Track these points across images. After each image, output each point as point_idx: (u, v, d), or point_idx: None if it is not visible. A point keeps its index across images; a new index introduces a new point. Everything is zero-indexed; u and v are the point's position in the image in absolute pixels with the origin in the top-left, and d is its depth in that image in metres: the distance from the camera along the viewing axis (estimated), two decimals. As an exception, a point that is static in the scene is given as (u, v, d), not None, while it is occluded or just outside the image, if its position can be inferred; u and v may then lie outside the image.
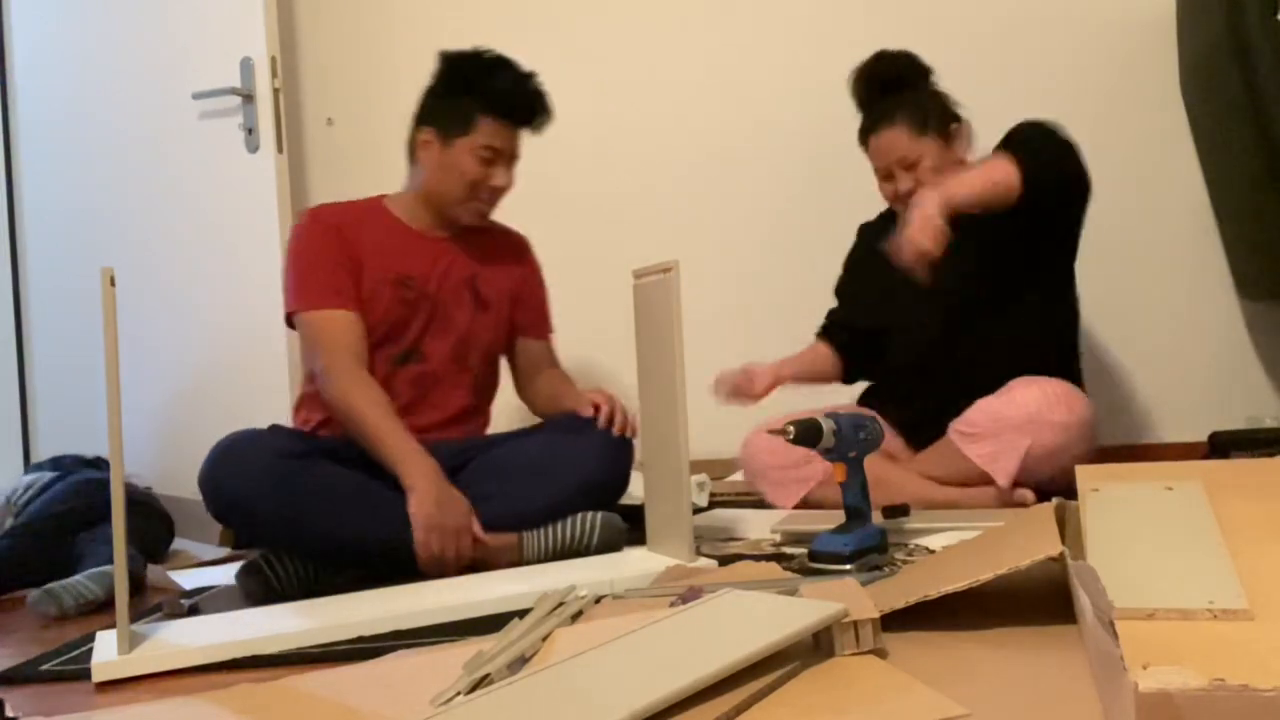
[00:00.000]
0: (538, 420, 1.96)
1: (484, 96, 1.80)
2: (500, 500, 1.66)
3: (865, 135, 2.04)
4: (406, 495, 1.58)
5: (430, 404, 1.84)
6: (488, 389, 1.97)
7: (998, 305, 1.99)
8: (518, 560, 1.65)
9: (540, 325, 2.02)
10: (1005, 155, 1.81)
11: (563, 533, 1.67)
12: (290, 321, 1.82)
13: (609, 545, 1.68)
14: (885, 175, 2.02)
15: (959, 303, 2.00)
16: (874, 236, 2.14)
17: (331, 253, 1.77)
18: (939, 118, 2.00)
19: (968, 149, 2.03)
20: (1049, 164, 1.82)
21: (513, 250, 1.99)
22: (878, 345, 2.16)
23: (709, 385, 2.00)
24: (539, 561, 1.65)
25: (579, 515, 1.68)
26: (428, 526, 1.55)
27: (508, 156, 1.85)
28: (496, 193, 1.87)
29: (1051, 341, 2.02)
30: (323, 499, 1.57)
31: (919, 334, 2.06)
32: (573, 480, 1.69)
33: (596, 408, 1.77)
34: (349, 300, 1.76)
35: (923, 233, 1.69)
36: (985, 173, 1.79)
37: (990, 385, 1.91)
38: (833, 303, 2.28)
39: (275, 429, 1.74)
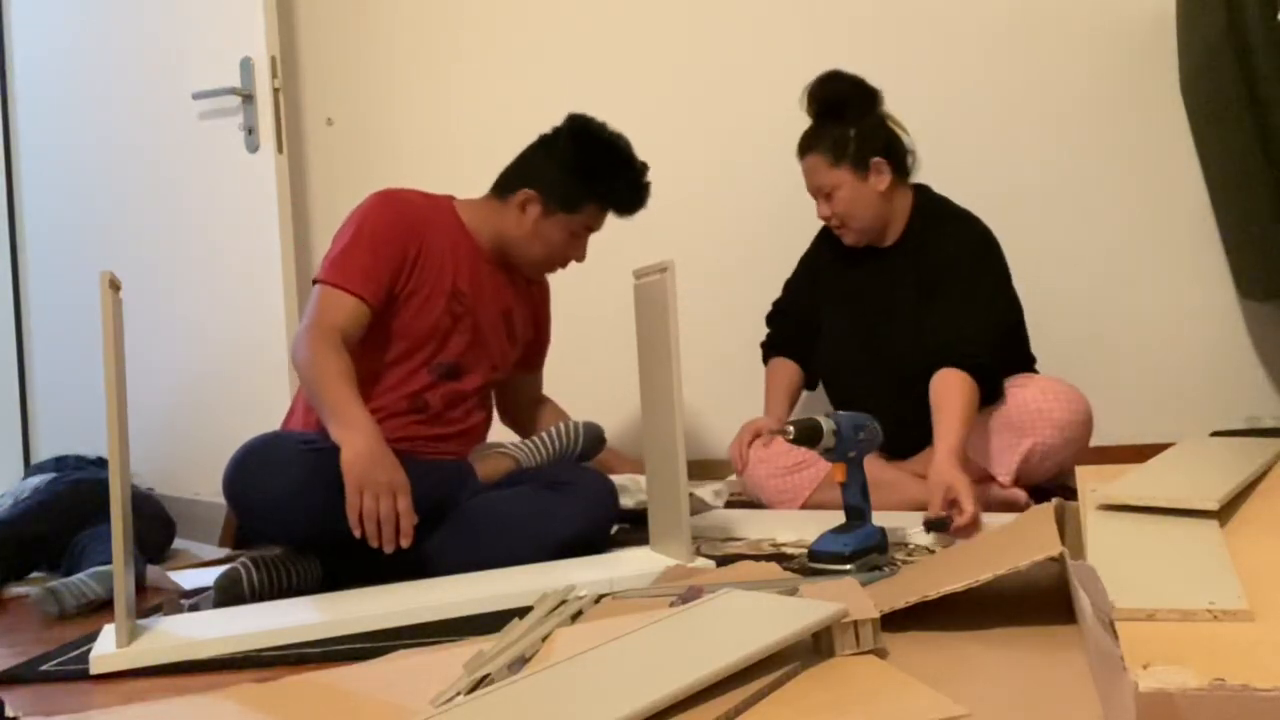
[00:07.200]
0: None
1: (603, 190, 1.83)
2: (482, 553, 1.62)
3: (798, 156, 2.06)
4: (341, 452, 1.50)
5: (450, 419, 1.81)
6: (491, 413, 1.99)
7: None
8: (516, 469, 1.82)
9: (540, 359, 2.09)
10: (953, 380, 1.79)
11: (552, 443, 1.86)
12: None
13: (590, 452, 1.88)
14: (813, 195, 2.06)
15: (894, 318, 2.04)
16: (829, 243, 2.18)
17: (389, 244, 1.72)
18: (859, 151, 1.98)
19: (887, 183, 1.99)
20: (988, 366, 1.83)
21: (541, 294, 2.03)
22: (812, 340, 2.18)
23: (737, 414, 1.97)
24: (535, 469, 1.84)
25: (564, 423, 1.89)
26: (360, 482, 1.46)
27: (593, 233, 1.90)
28: (569, 263, 1.91)
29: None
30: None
31: (852, 337, 2.09)
32: (558, 539, 1.65)
33: None
34: (373, 295, 1.68)
35: (972, 525, 1.61)
36: (960, 413, 1.75)
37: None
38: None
39: (289, 432, 1.71)
